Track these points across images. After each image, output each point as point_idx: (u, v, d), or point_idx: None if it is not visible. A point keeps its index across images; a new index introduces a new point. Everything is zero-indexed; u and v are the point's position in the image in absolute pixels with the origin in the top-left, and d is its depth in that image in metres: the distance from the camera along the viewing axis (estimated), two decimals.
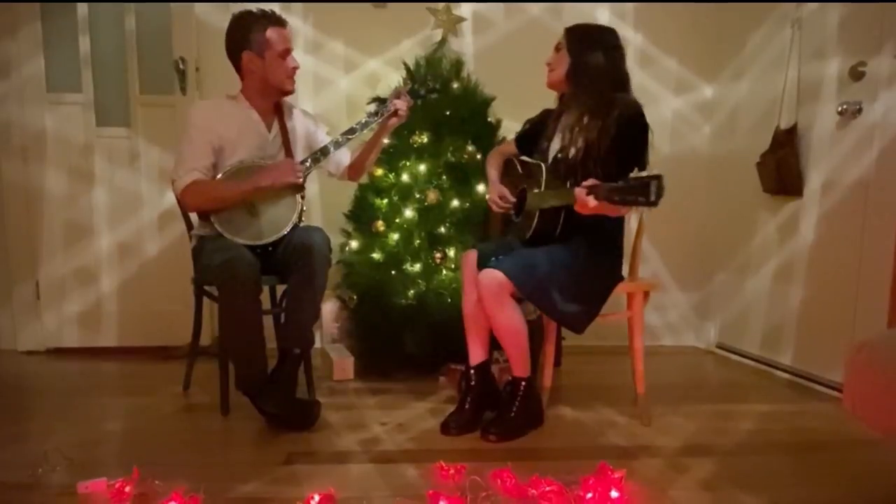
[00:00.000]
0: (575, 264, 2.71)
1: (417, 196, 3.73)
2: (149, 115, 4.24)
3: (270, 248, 2.99)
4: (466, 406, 2.85)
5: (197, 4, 4.14)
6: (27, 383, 3.67)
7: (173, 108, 4.15)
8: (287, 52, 3.04)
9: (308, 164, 3.07)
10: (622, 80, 2.82)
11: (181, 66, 4.10)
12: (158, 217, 4.31)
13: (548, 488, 2.09)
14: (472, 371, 2.91)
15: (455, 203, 3.71)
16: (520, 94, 3.87)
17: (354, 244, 3.82)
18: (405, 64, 3.93)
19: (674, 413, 3.09)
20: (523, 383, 2.79)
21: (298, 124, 3.28)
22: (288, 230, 2.98)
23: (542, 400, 2.97)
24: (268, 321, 2.92)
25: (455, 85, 3.89)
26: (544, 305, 2.70)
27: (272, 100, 3.15)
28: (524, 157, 3.05)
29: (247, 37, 2.99)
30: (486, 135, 3.88)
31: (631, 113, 2.68)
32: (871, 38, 3.22)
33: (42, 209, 4.24)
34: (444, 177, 3.74)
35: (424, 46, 4.19)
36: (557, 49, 2.87)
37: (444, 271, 3.63)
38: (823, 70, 3.52)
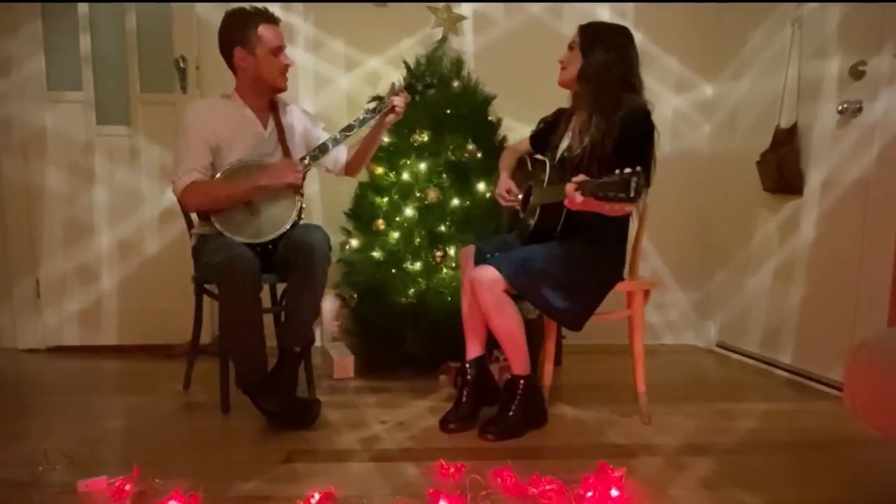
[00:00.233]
0: (571, 261, 2.72)
1: (418, 194, 3.72)
2: (149, 114, 4.24)
3: (270, 247, 2.99)
4: (463, 401, 2.86)
5: (197, 3, 4.14)
6: (27, 381, 3.67)
7: (174, 106, 4.16)
8: (279, 49, 3.04)
9: (307, 161, 3.07)
10: (632, 82, 2.80)
11: (182, 65, 4.11)
12: (159, 215, 4.31)
13: (548, 487, 2.10)
14: (467, 366, 2.92)
15: (455, 202, 3.71)
16: (520, 93, 3.89)
17: (355, 243, 3.81)
18: (405, 62, 3.93)
19: (674, 412, 3.09)
20: (522, 381, 2.78)
21: (296, 122, 3.29)
22: (288, 228, 2.98)
23: (544, 398, 2.96)
24: (268, 319, 2.93)
25: (455, 83, 3.89)
26: (538, 302, 2.71)
27: (266, 97, 3.16)
28: (536, 156, 3.06)
29: (239, 34, 3.00)
30: (487, 133, 3.88)
31: (635, 114, 2.67)
32: (871, 38, 3.22)
33: (42, 207, 4.24)
34: (445, 175, 3.74)
35: (425, 45, 4.19)
36: (571, 48, 2.86)
37: (445, 270, 3.63)
38: (824, 69, 3.52)
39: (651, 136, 2.68)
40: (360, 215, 3.86)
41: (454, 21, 4.20)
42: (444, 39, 4.11)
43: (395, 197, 3.77)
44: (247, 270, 2.72)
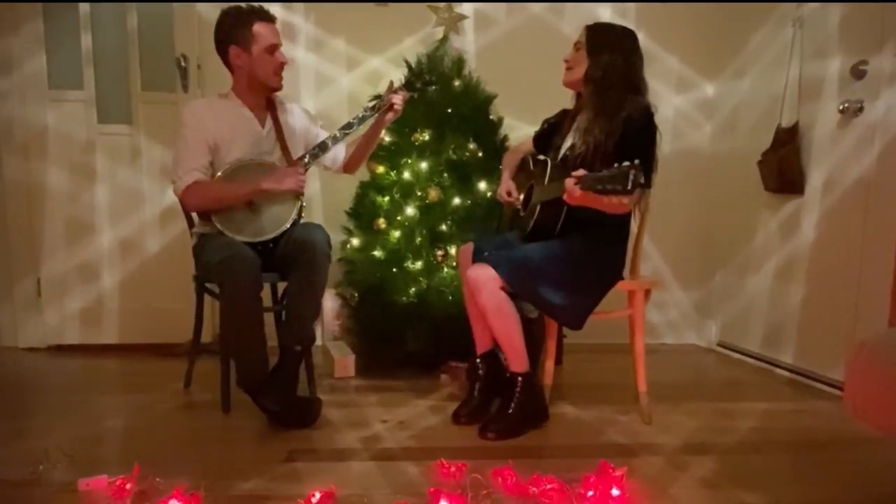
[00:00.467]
0: (570, 259, 2.72)
1: (419, 194, 3.72)
2: (150, 113, 4.25)
3: (271, 245, 2.99)
4: (475, 394, 2.90)
5: (198, 2, 4.14)
6: (28, 380, 3.67)
7: (175, 105, 4.15)
8: (274, 47, 3.04)
9: (307, 160, 3.08)
10: (637, 84, 2.81)
11: (183, 64, 4.11)
12: (160, 214, 4.31)
13: (549, 486, 2.10)
14: (478, 360, 2.95)
15: (456, 201, 3.71)
16: (521, 92, 3.89)
17: (356, 242, 3.81)
18: (406, 62, 3.93)
19: (675, 411, 3.10)
20: (520, 379, 2.78)
21: (295, 120, 3.29)
22: (288, 226, 2.99)
23: (545, 395, 2.96)
24: (269, 318, 2.93)
25: (456, 83, 3.89)
26: (536, 300, 2.72)
27: (262, 95, 3.16)
28: (538, 156, 3.07)
29: (233, 32, 3.00)
30: (488, 132, 3.88)
31: (638, 114, 2.67)
32: (872, 37, 3.21)
33: (44, 206, 4.24)
34: (446, 174, 3.74)
35: (426, 44, 4.19)
36: (577, 48, 2.86)
37: (446, 269, 3.63)
38: (825, 69, 3.52)
39: (653, 136, 2.69)
40: (361, 214, 3.86)
41: (455, 20, 4.20)
42: (445, 39, 4.11)
43: (397, 196, 3.76)
44: (247, 269, 2.72)
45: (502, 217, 3.44)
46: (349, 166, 3.46)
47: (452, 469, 2.26)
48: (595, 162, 2.63)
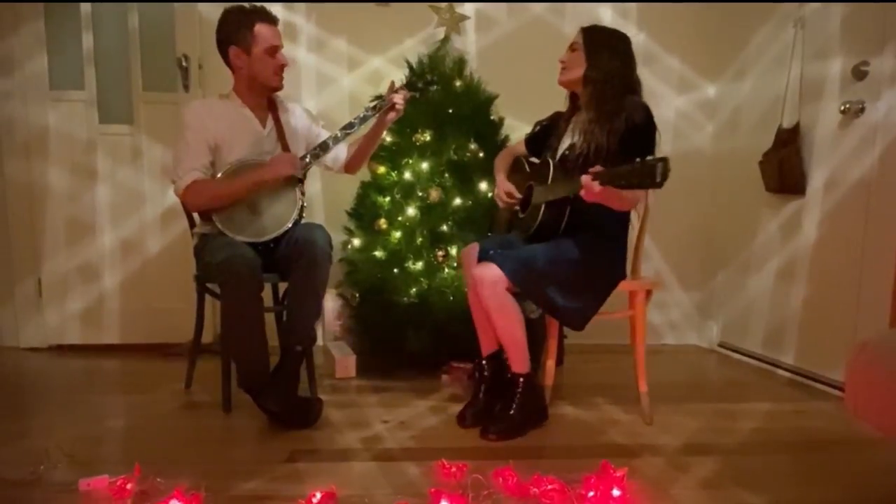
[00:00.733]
0: (575, 259, 2.72)
1: (420, 194, 3.72)
2: (151, 113, 4.25)
3: (272, 246, 2.99)
4: (480, 396, 2.88)
5: (200, 2, 4.14)
6: (29, 380, 3.68)
7: (176, 105, 4.15)
8: (275, 48, 3.03)
9: (308, 159, 3.08)
10: (632, 85, 2.84)
11: (184, 64, 4.11)
12: (161, 214, 4.32)
13: (549, 487, 2.10)
14: (483, 362, 2.94)
15: (457, 201, 3.71)
16: (522, 92, 3.89)
17: (357, 242, 3.81)
18: (408, 62, 3.93)
19: (676, 412, 3.09)
20: (521, 379, 2.78)
21: (296, 120, 3.29)
22: (289, 226, 2.98)
23: (544, 396, 2.96)
24: (270, 319, 2.93)
25: (458, 83, 3.89)
26: (540, 300, 2.72)
27: (263, 96, 3.16)
28: (531, 158, 3.08)
29: (234, 32, 3.00)
30: (489, 133, 3.88)
31: (638, 113, 2.70)
32: (873, 38, 3.21)
33: (45, 206, 4.24)
34: (447, 175, 3.74)
35: (427, 44, 4.19)
36: (573, 49, 2.88)
37: (447, 269, 3.63)
38: (826, 69, 3.51)
39: (654, 133, 2.72)
40: (362, 214, 3.86)
41: (456, 21, 4.21)
42: (446, 39, 4.11)
43: (397, 196, 3.76)
44: (248, 270, 2.73)
45: (495, 219, 3.44)
46: (350, 166, 3.46)
47: (453, 469, 2.26)
48: (598, 161, 2.64)
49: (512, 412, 2.74)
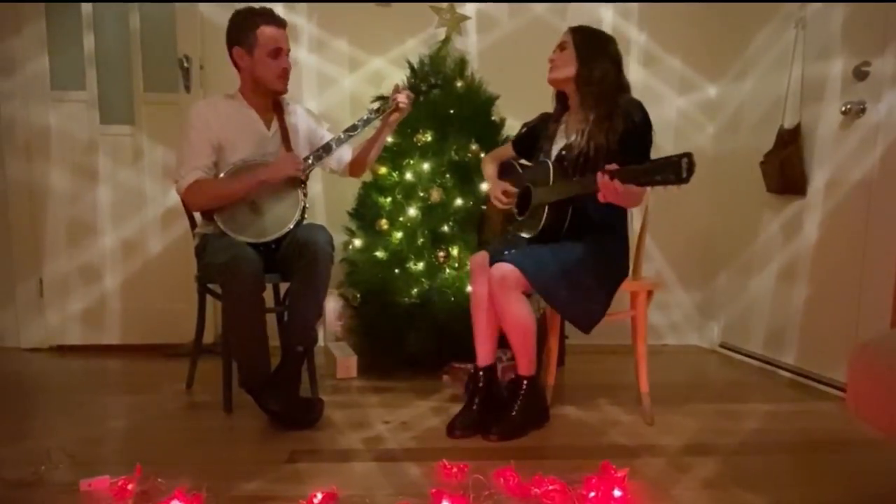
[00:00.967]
0: (586, 260, 2.72)
1: (421, 195, 3.72)
2: (153, 113, 4.25)
3: (273, 246, 2.99)
4: (474, 407, 2.83)
5: (201, 3, 4.15)
6: (30, 381, 3.68)
7: (177, 105, 4.16)
8: (278, 51, 3.03)
9: (311, 160, 3.07)
10: (625, 86, 2.87)
11: (185, 64, 4.11)
12: (162, 215, 4.32)
13: (551, 487, 2.09)
14: (481, 373, 2.89)
15: (459, 202, 3.71)
16: (523, 93, 3.87)
17: (358, 242, 3.81)
18: (409, 62, 3.93)
19: (677, 412, 3.09)
20: (525, 382, 2.78)
21: (300, 121, 3.29)
22: (291, 227, 2.98)
23: (546, 397, 2.96)
24: (271, 319, 2.93)
25: (459, 83, 3.89)
26: (556, 301, 2.69)
27: (268, 98, 3.15)
28: (523, 161, 3.08)
29: (239, 33, 3.01)
30: (490, 133, 3.88)
31: (635, 110, 2.72)
32: (875, 38, 3.21)
33: (46, 207, 4.25)
34: (448, 175, 3.74)
35: (428, 45, 4.20)
36: (562, 48, 2.89)
37: (448, 270, 3.63)
38: (827, 70, 3.51)
39: (651, 129, 2.74)
40: (364, 215, 3.86)
41: (458, 21, 4.21)
42: (447, 39, 4.12)
43: (399, 197, 3.77)
44: (250, 270, 2.73)
45: (485, 224, 3.42)
46: (355, 169, 3.46)
47: (454, 470, 2.26)
48: (598, 160, 2.65)
49: (514, 413, 2.74)
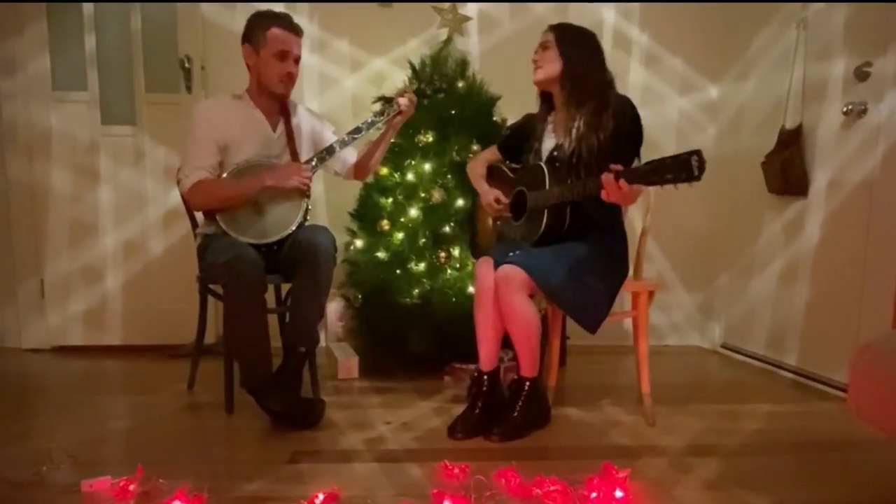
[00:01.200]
0: (590, 260, 2.71)
1: (422, 195, 3.72)
2: (154, 114, 4.26)
3: (275, 247, 2.99)
4: (476, 411, 2.81)
5: (202, 3, 4.16)
6: (31, 381, 3.68)
7: (178, 106, 4.16)
8: (284, 54, 3.02)
9: (314, 163, 3.07)
10: (609, 81, 2.85)
11: (187, 65, 4.12)
12: (163, 215, 4.32)
13: (552, 488, 2.09)
14: (485, 377, 2.87)
15: (460, 202, 3.71)
16: (525, 94, 3.86)
17: (359, 243, 3.81)
18: (410, 63, 3.93)
19: (678, 413, 3.09)
20: (528, 383, 2.78)
21: (304, 123, 3.28)
22: (293, 229, 2.98)
23: (547, 398, 2.96)
24: (273, 320, 2.93)
25: (460, 84, 3.89)
26: (563, 302, 2.69)
27: (274, 100, 3.15)
28: (512, 164, 3.08)
29: (251, 31, 3.03)
30: (492, 134, 3.86)
31: (624, 107, 2.72)
32: (876, 39, 3.21)
33: (47, 207, 4.25)
34: (450, 176, 3.73)
35: (430, 46, 4.20)
36: (545, 48, 2.87)
37: (449, 270, 3.63)
38: (829, 70, 3.51)
39: (641, 124, 2.74)
40: (365, 216, 3.86)
41: (459, 22, 4.21)
42: (449, 40, 4.12)
43: (400, 197, 3.77)
44: (252, 271, 2.73)
45: (477, 232, 3.39)
46: (359, 171, 3.45)
47: (456, 471, 2.25)
48: (591, 159, 2.65)
49: (516, 414, 2.74)
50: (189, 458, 2.47)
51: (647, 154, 2.34)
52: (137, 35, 4.18)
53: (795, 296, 3.77)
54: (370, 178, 3.80)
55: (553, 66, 2.83)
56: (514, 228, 3.00)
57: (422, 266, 3.65)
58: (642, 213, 3.06)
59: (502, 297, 2.67)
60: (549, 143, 2.93)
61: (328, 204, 4.40)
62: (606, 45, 4.44)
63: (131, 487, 2.10)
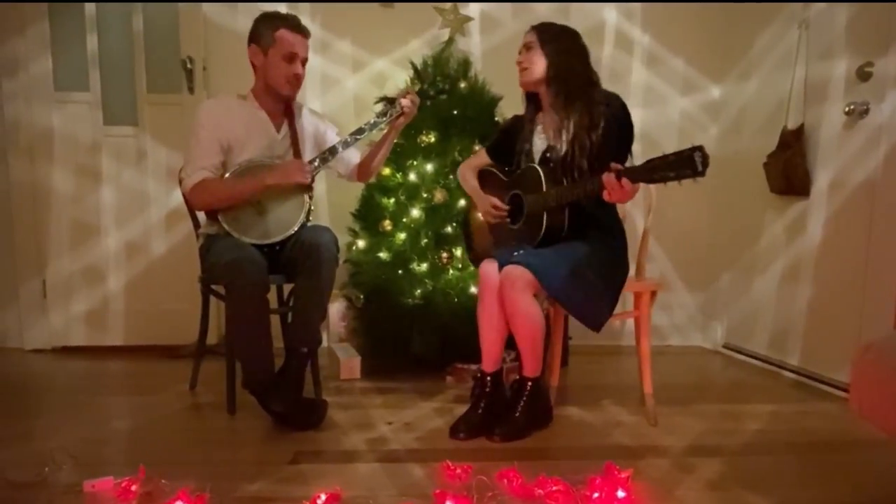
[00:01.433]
0: (592, 259, 2.71)
1: (424, 195, 3.73)
2: (156, 114, 4.26)
3: (278, 247, 2.99)
4: (479, 412, 2.80)
5: (204, 4, 4.16)
6: (33, 382, 3.68)
7: (180, 106, 4.16)
8: (292, 56, 3.02)
9: (316, 163, 3.07)
10: (594, 79, 2.85)
11: (188, 65, 4.12)
12: (166, 216, 4.32)
13: (554, 488, 2.09)
14: (488, 378, 2.87)
15: (462, 202, 3.70)
16: None
17: (361, 244, 3.82)
18: (412, 63, 3.93)
19: (680, 413, 3.09)
20: (530, 383, 2.78)
21: (307, 124, 3.28)
22: (296, 229, 2.98)
23: (549, 398, 2.96)
24: (275, 320, 2.93)
25: (462, 84, 3.89)
26: (568, 301, 2.68)
27: (279, 101, 3.14)
28: (505, 168, 3.07)
29: (258, 31, 3.02)
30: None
31: (615, 105, 2.73)
32: (878, 39, 3.21)
33: (49, 208, 4.25)
34: (452, 176, 3.73)
35: (432, 46, 4.20)
36: (528, 48, 2.88)
37: (451, 271, 3.63)
38: (831, 70, 3.51)
39: (632, 122, 2.75)
40: (367, 216, 3.86)
41: (461, 22, 4.22)
42: (450, 40, 4.12)
43: (402, 198, 3.77)
44: (254, 271, 2.73)
45: (475, 239, 3.34)
46: (362, 173, 3.42)
47: (458, 471, 2.25)
48: (584, 159, 2.65)
49: (518, 414, 2.74)
50: (191, 459, 2.48)
51: (649, 155, 2.33)
52: (139, 35, 4.18)
53: (797, 296, 3.77)
54: (372, 179, 3.81)
55: (538, 66, 2.83)
56: (511, 232, 2.97)
57: (424, 266, 3.65)
58: (644, 214, 3.05)
59: (507, 297, 2.66)
60: (539, 145, 2.93)
61: (330, 204, 4.40)
62: (608, 45, 4.48)
63: (133, 488, 2.11)
